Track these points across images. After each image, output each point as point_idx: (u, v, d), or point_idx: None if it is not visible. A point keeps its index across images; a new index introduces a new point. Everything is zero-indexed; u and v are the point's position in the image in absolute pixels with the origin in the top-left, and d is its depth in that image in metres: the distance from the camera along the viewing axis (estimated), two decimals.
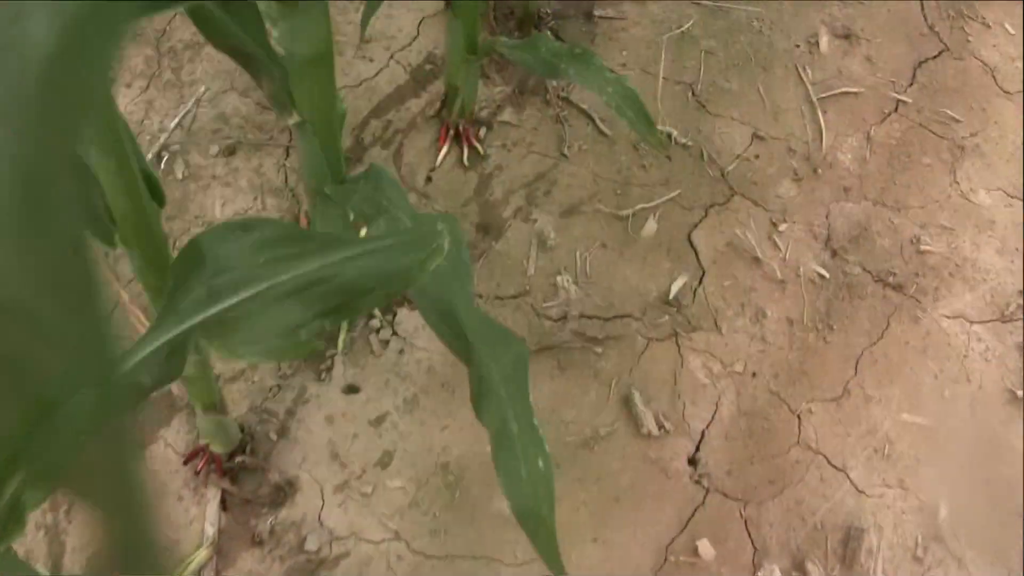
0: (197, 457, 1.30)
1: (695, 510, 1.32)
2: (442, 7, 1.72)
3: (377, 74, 1.67)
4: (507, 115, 1.63)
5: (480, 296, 1.48)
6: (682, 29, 1.72)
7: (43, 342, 0.29)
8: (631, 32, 1.72)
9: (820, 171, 1.59)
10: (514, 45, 1.41)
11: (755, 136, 1.62)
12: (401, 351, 1.41)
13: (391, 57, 1.68)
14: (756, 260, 1.51)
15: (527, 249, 1.52)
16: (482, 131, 1.61)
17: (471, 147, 1.60)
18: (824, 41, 1.72)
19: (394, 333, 1.43)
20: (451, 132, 1.60)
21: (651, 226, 1.53)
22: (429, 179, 1.58)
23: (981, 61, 1.73)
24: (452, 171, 1.59)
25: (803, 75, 1.69)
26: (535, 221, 1.54)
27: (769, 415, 1.40)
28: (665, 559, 1.28)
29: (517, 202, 1.56)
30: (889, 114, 1.67)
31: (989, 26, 1.76)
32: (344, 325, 1.44)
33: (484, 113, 1.63)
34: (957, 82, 1.71)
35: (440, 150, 1.60)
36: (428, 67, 1.68)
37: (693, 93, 1.67)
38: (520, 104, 1.64)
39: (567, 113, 1.63)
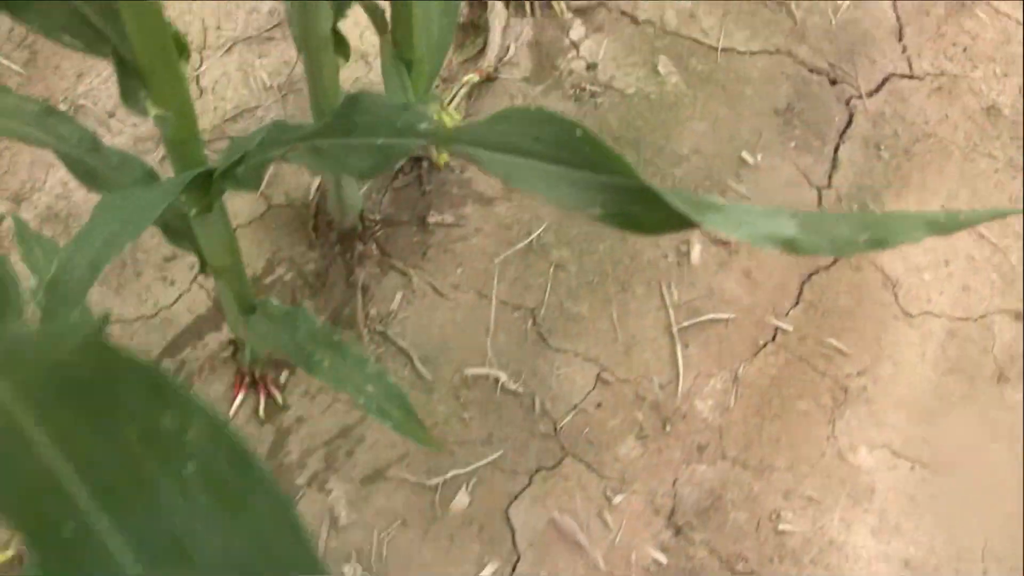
0: None
1: None
2: (258, 214, 1.69)
3: (177, 300, 1.64)
4: None
5: None
6: (531, 237, 1.66)
7: None
8: (472, 241, 1.67)
9: (671, 426, 1.53)
10: (277, 315, 1.37)
11: (600, 379, 1.56)
12: None
13: (194, 279, 1.65)
14: (580, 545, 1.45)
15: (318, 527, 1.48)
16: (284, 375, 1.58)
17: (268, 396, 1.56)
18: (697, 250, 1.65)
19: None
20: (246, 379, 1.57)
21: (463, 499, 1.48)
22: None
23: (882, 272, 1.65)
24: (247, 425, 1.55)
25: (667, 296, 1.62)
26: (331, 491, 1.50)
27: None
28: None
29: (314, 465, 1.52)
30: (764, 345, 1.60)
31: None
32: None
33: None
34: (850, 301, 1.63)
35: (234, 399, 1.56)
36: None
37: (534, 321, 1.61)
38: None
39: (383, 351, 1.59)
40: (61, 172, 1.67)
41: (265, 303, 1.43)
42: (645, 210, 0.83)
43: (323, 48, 1.33)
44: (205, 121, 1.77)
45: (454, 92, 1.77)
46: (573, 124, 0.92)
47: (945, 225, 0.80)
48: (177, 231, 1.30)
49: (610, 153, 0.89)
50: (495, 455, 1.52)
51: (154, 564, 0.44)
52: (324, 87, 1.39)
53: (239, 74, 1.82)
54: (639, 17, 1.89)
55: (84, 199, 1.68)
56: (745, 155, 1.73)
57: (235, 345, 1.56)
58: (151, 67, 1.03)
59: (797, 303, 1.63)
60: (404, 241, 1.67)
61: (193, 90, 1.81)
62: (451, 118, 1.71)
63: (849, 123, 1.78)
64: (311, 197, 1.69)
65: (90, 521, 0.45)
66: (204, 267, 1.36)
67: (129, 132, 1.74)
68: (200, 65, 1.83)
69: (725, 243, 1.66)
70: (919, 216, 0.80)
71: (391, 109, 1.04)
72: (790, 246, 0.80)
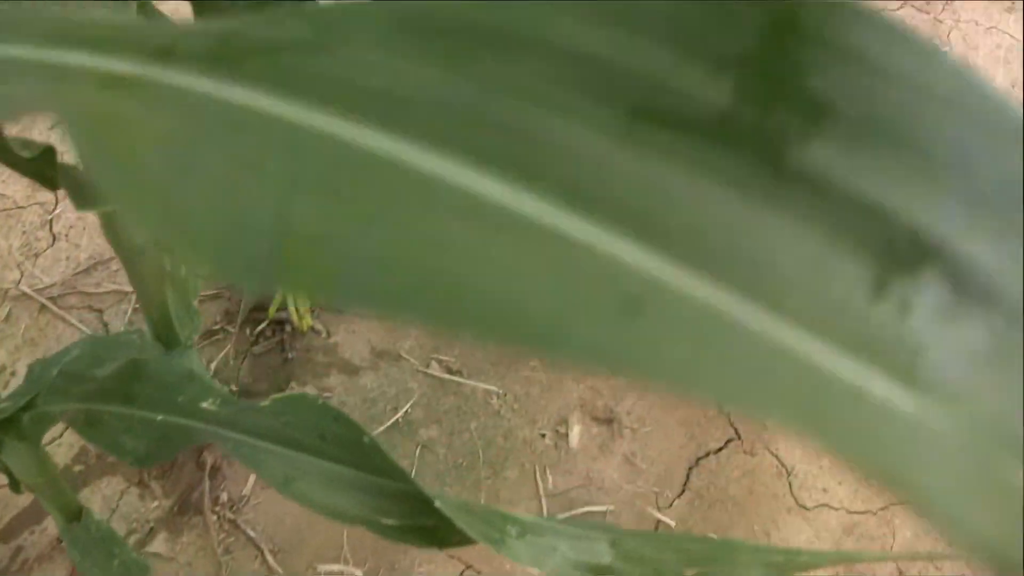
0: None
1: None
2: None
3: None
4: (159, 543, 1.58)
5: None
6: (399, 414, 1.65)
7: None
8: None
9: None
10: (95, 534, 1.36)
11: None
12: None
13: None
14: None
15: None
16: None
17: None
18: (576, 431, 1.65)
19: None
20: None
21: None
22: None
23: (777, 459, 1.64)
24: None
25: (541, 483, 1.61)
26: None
27: None
28: None
29: None
30: None
31: None
32: None
33: (133, 540, 1.58)
34: (741, 489, 1.62)
35: None
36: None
37: None
38: (179, 527, 1.59)
39: (232, 540, 1.58)
40: None
41: (88, 516, 1.42)
42: (440, 524, 0.81)
43: (142, 256, 1.31)
44: (55, 273, 1.76)
45: None
46: (360, 429, 0.91)
47: (783, 567, 0.79)
48: None
49: (396, 468, 0.88)
50: None
51: None
52: (150, 296, 1.37)
53: (96, 220, 1.81)
54: None
55: None
56: None
57: None
58: None
59: (683, 492, 1.62)
60: None
61: (46, 236, 1.79)
62: (304, 320, 1.70)
63: None
64: None
65: None
66: (16, 486, 1.34)
67: None
68: (55, 207, 1.82)
69: (607, 422, 1.65)
70: (756, 553, 0.78)
71: (176, 379, 1.04)
72: None
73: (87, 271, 1.76)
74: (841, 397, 0.23)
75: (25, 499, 1.61)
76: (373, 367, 1.69)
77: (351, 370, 1.69)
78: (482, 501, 1.60)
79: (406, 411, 1.65)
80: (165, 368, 1.03)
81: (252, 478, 1.61)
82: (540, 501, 1.60)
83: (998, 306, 0.24)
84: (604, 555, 0.77)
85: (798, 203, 0.24)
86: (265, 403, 0.95)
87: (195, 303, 1.50)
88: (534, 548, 0.77)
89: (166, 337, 1.47)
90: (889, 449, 0.23)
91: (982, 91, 0.24)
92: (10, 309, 1.72)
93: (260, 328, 1.70)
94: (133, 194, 0.29)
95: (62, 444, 1.63)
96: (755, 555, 0.77)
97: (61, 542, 1.55)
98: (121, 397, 1.04)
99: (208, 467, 1.62)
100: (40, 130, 1.12)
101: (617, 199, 0.24)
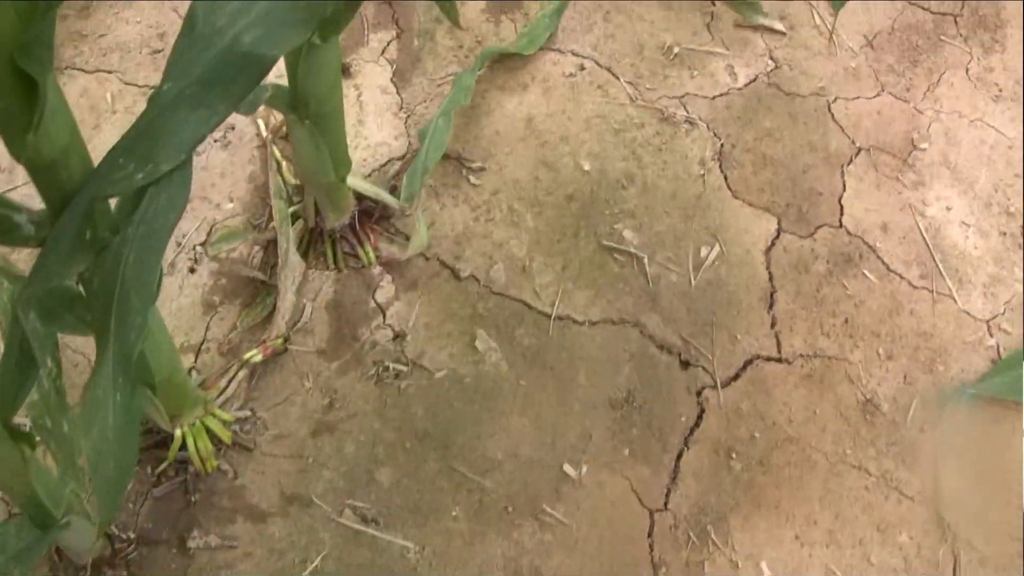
0: None
1: None
2: None
3: None
4: None
5: None
6: (308, 569, 1.56)
7: None
8: (239, 569, 1.57)
9: None
10: None
11: None
12: None
13: None
14: None
15: None
16: None
17: None
18: None
19: None
20: None
21: None
22: None
23: None
24: None
25: None
26: None
27: None
28: None
29: None
30: None
31: (738, 565, 1.58)
32: None
33: None
34: None
35: None
36: None
37: None
38: None
39: None
40: None
41: None
42: None
43: None
44: None
45: (232, 375, 1.66)
46: None
47: None
48: None
49: None
50: None
51: None
52: (12, 488, 1.31)
53: None
54: (461, 271, 1.77)
55: None
56: (568, 468, 1.63)
57: None
58: None
59: None
60: (161, 568, 1.57)
61: None
62: (219, 422, 1.61)
63: (698, 421, 1.67)
64: None
65: None
66: None
67: None
68: None
69: None
70: None
71: None
72: None
73: None
74: None
75: None
76: (282, 513, 1.60)
77: (258, 516, 1.60)
78: None
79: (317, 565, 1.57)
80: None
81: None
82: None
83: None
84: None
85: None
86: None
87: (80, 461, 1.42)
88: None
89: (40, 519, 1.40)
90: None
91: None
92: None
93: (162, 467, 1.61)
94: None
95: None
96: None
97: None
98: None
99: None
100: None
101: None
